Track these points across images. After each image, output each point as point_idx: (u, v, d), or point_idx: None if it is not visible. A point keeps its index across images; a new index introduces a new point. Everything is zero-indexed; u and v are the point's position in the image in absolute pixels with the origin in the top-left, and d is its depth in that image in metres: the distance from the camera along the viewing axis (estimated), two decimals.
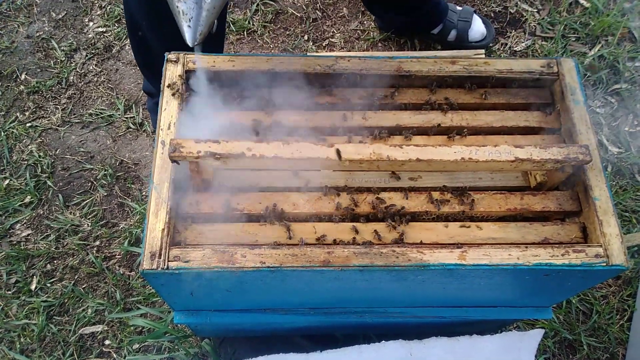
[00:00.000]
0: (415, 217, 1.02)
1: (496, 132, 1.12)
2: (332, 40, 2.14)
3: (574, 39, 2.13)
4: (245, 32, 2.15)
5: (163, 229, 0.92)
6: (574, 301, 1.65)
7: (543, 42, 2.12)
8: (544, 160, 0.94)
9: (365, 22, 2.18)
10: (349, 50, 2.11)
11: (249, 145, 0.92)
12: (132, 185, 1.86)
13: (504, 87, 1.15)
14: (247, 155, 0.91)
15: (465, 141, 1.10)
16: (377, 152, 0.93)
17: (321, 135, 1.09)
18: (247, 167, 0.96)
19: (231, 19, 2.16)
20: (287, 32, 2.16)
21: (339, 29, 2.17)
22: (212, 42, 1.60)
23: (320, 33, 2.16)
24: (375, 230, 0.98)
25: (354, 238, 0.98)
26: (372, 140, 1.09)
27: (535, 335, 1.34)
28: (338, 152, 0.92)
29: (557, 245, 0.95)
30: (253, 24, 2.16)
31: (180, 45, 1.46)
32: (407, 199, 1.02)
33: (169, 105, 1.04)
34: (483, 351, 1.31)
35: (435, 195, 1.03)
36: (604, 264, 0.94)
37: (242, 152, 0.91)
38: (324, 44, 2.13)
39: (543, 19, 2.17)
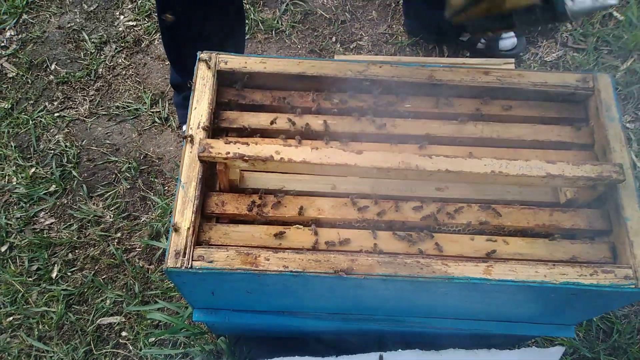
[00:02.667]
0: (441, 228, 1.01)
1: (527, 145, 1.10)
2: (360, 43, 2.13)
3: (606, 52, 2.09)
4: (273, 32, 2.15)
5: (188, 228, 0.93)
6: (595, 319, 1.62)
7: (574, 54, 2.08)
8: (576, 177, 0.92)
9: (394, 25, 2.17)
10: (377, 54, 2.10)
11: (277, 148, 0.92)
12: (155, 180, 1.87)
13: (537, 100, 1.13)
14: (276, 159, 0.91)
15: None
16: (406, 161, 0.92)
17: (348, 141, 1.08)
18: (275, 170, 0.95)
19: (260, 18, 2.16)
20: (315, 33, 2.15)
21: (367, 32, 2.16)
22: (236, 44, 1.61)
23: (348, 35, 2.15)
24: (399, 240, 0.97)
25: (378, 246, 0.97)
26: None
27: (555, 353, 1.32)
28: (366, 159, 0.92)
29: (585, 265, 0.93)
30: (282, 24, 2.16)
31: (211, 28, 1.47)
32: (433, 209, 1.01)
33: (199, 104, 1.04)
34: None
35: (462, 207, 1.01)
36: (633, 286, 0.92)
37: (271, 155, 0.91)
38: (351, 47, 2.12)
39: (575, 29, 2.13)
